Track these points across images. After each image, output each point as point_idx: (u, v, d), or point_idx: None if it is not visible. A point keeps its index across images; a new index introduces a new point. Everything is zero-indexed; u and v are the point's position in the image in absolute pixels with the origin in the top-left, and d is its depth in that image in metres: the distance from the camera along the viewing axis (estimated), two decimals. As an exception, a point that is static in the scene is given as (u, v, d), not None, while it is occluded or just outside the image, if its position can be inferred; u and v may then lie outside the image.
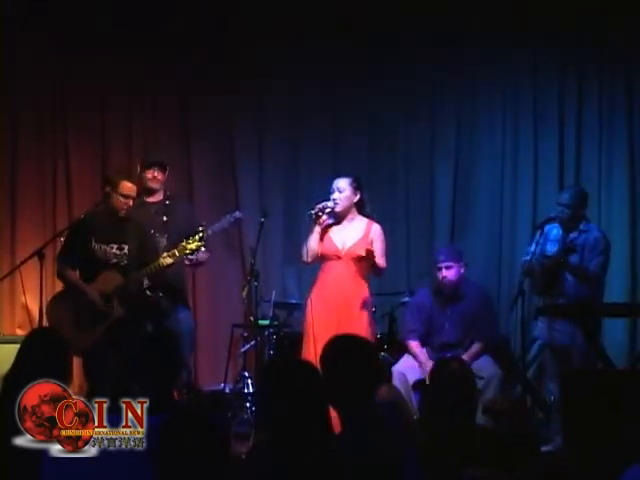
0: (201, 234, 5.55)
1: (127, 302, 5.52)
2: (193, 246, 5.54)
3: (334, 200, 5.69)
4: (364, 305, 5.68)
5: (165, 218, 6.10)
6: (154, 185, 6.14)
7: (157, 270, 5.57)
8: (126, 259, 5.61)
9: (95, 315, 5.48)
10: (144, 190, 6.12)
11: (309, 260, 5.73)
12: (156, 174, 6.13)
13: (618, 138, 7.29)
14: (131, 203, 5.62)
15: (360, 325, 5.54)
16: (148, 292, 5.77)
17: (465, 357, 5.94)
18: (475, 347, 6.12)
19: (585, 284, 5.83)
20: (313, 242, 5.66)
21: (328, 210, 5.67)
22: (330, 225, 5.73)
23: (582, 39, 7.35)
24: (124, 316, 5.49)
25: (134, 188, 5.63)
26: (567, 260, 5.83)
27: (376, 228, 5.77)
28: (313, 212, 5.66)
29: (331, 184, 5.77)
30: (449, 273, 6.14)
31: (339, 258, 5.68)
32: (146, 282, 5.68)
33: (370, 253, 5.57)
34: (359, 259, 5.66)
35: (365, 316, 5.67)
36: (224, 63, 7.51)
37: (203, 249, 5.70)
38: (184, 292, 6.33)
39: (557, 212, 5.94)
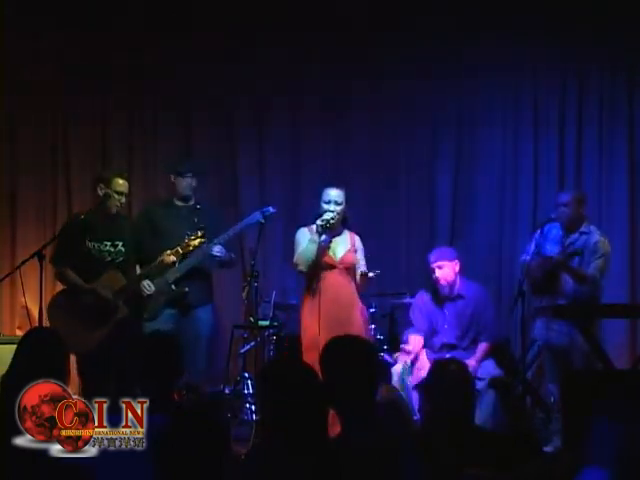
0: (202, 231, 5.59)
1: (130, 301, 5.53)
2: (196, 242, 5.59)
3: (336, 212, 5.67)
4: (361, 311, 5.73)
5: (196, 220, 6.00)
6: (189, 192, 6.05)
7: (159, 268, 5.58)
8: (121, 256, 5.60)
9: (98, 315, 5.48)
10: (177, 196, 6.07)
11: (304, 270, 5.69)
12: (191, 181, 6.05)
13: (619, 139, 7.30)
14: (124, 200, 5.63)
15: (359, 330, 5.57)
16: (173, 286, 5.75)
17: (473, 360, 5.95)
18: (482, 347, 6.14)
19: (582, 286, 5.82)
20: (312, 252, 5.63)
21: (333, 222, 5.66)
22: (329, 242, 5.71)
23: (582, 39, 7.36)
24: (128, 315, 5.50)
25: (126, 185, 5.65)
26: (568, 262, 5.83)
27: (358, 238, 5.84)
28: (321, 224, 5.60)
29: (321, 191, 5.73)
30: (442, 272, 6.17)
31: (334, 267, 5.69)
32: (174, 276, 5.67)
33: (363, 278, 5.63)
34: (351, 268, 5.71)
35: (363, 321, 5.73)
36: (224, 63, 7.51)
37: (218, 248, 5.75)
38: (211, 290, 6.20)
39: (557, 213, 5.95)
